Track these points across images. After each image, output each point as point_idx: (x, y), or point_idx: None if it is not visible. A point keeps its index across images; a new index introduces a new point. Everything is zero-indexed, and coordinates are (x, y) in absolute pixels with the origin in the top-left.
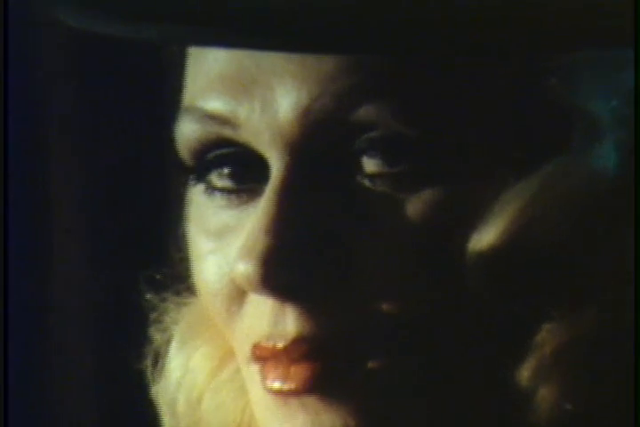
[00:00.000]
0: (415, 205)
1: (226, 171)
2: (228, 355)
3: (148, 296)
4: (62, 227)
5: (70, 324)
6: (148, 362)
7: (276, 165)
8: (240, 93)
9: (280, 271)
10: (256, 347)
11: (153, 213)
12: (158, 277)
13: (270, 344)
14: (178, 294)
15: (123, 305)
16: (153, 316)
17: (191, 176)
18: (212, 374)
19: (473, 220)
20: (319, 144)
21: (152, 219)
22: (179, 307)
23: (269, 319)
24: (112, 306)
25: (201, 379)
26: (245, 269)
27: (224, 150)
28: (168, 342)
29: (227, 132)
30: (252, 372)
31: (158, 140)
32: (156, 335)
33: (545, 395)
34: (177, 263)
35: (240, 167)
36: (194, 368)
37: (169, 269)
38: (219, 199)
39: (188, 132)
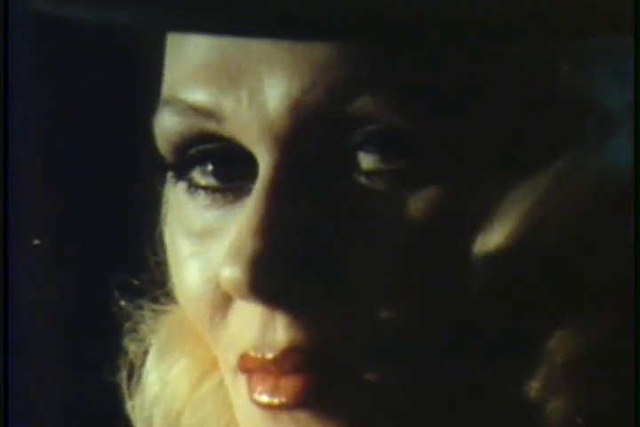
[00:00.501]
0: (415, 205)
1: (210, 168)
2: (210, 367)
3: (122, 303)
4: (27, 228)
5: (36, 334)
6: (123, 375)
7: (265, 162)
8: (225, 84)
9: (270, 276)
10: (243, 358)
11: (127, 213)
12: (135, 282)
13: (259, 355)
14: (155, 300)
15: (94, 313)
16: (128, 325)
17: (171, 173)
18: (192, 388)
19: (478, 220)
20: (311, 139)
21: (126, 219)
22: (156, 315)
23: (258, 328)
24: (82, 314)
25: (181, 393)
26: (232, 273)
27: (208, 145)
28: (145, 353)
29: (211, 125)
30: (237, 383)
31: (134, 134)
32: (132, 346)
33: (555, 408)
34: (153, 268)
35: (225, 164)
36: (173, 381)
37: (145, 274)
38: (202, 198)
39: (168, 125)
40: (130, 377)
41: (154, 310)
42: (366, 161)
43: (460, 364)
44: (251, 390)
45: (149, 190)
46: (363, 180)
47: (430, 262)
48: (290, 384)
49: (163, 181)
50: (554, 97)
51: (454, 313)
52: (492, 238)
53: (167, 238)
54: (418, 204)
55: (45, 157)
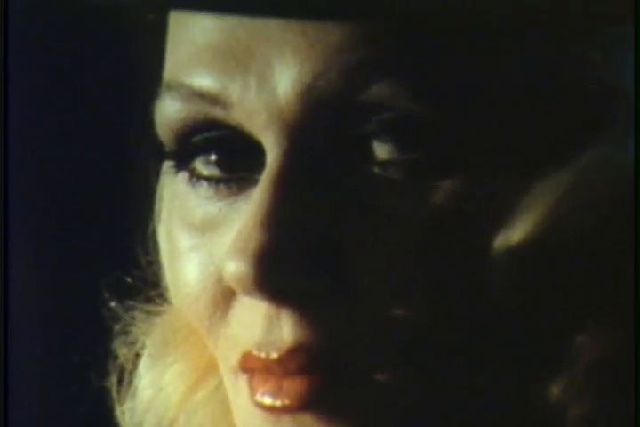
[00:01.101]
0: (432, 197)
1: (213, 157)
2: (206, 372)
3: (112, 305)
4: (18, 226)
5: (21, 336)
6: (113, 380)
7: (273, 152)
8: (232, 68)
9: (276, 272)
10: (245, 357)
11: (120, 210)
12: (127, 280)
13: (262, 354)
14: (148, 301)
15: (83, 315)
16: (117, 327)
17: (172, 163)
18: (187, 394)
19: (498, 214)
20: (323, 127)
21: (118, 213)
22: (148, 317)
23: (262, 326)
24: (70, 316)
25: (175, 399)
26: (237, 268)
27: (212, 133)
28: (136, 356)
29: (216, 112)
30: (238, 384)
31: (128, 121)
32: (122, 349)
33: (576, 415)
34: (145, 266)
35: (230, 153)
36: (167, 387)
37: (138, 272)
38: (204, 189)
39: (170, 112)
40: (120, 382)
41: (147, 312)
42: (381, 151)
43: (473, 365)
44: (252, 392)
45: (144, 184)
46: (376, 170)
47: (445, 258)
48: (293, 386)
49: (158, 174)
50: (585, 85)
51: (469, 311)
52: (512, 234)
53: (162, 234)
54: (435, 196)
55: (37, 153)
